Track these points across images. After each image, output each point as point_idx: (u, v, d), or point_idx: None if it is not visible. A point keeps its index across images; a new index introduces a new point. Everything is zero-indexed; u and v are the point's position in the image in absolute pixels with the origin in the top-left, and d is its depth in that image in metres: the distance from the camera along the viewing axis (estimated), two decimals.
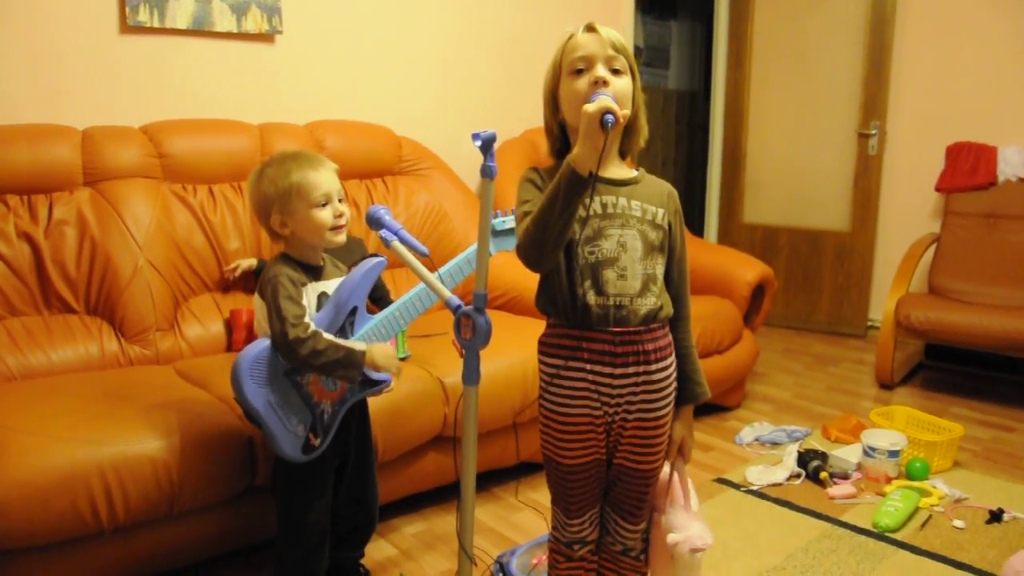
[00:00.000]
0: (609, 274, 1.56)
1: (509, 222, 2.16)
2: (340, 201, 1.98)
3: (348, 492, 2.13)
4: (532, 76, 4.29)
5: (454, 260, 2.13)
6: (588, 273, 1.57)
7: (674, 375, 1.68)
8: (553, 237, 1.47)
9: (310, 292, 1.95)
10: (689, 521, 1.72)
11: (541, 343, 1.68)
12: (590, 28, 1.58)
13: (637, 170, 1.67)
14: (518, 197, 1.61)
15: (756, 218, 5.42)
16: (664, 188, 1.68)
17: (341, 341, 1.90)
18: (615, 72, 1.56)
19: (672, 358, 1.67)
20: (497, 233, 2.15)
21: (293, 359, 1.85)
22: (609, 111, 1.39)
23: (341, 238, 1.98)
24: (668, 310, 1.64)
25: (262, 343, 1.88)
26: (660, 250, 1.62)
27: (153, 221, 2.79)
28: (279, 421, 1.88)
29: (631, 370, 1.59)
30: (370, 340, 1.99)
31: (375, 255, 2.06)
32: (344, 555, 2.24)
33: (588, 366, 1.60)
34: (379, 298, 2.69)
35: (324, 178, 1.95)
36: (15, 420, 2.02)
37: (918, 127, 4.74)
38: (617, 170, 1.64)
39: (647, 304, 1.59)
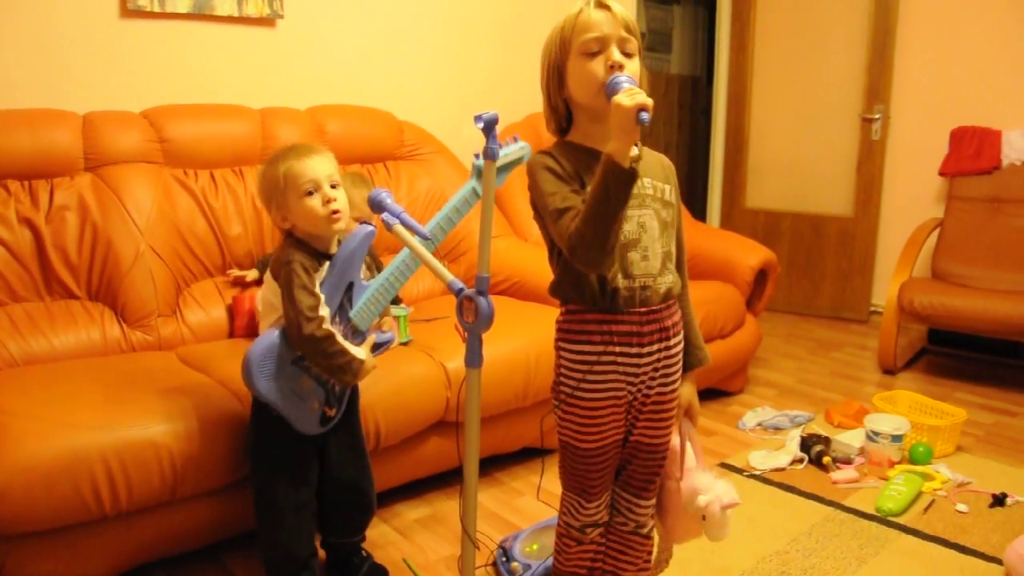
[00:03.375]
0: (634, 256, 1.57)
1: (512, 154, 2.08)
2: (333, 187, 1.94)
3: (338, 476, 2.12)
4: (534, 60, 4.25)
5: (439, 215, 2.08)
6: (615, 257, 1.55)
7: (683, 347, 1.72)
8: (614, 236, 1.46)
9: (321, 275, 1.94)
10: (712, 481, 1.76)
11: (562, 329, 1.66)
12: (602, 5, 1.53)
13: (637, 145, 1.65)
14: (538, 188, 1.56)
15: (759, 203, 5.40)
16: (664, 162, 1.70)
17: (348, 347, 1.90)
18: (627, 55, 1.53)
19: (682, 331, 1.71)
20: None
21: (303, 351, 1.88)
22: (644, 108, 1.37)
23: (339, 226, 1.95)
24: (679, 286, 1.67)
25: (267, 338, 1.89)
26: (671, 227, 1.64)
27: (154, 206, 2.78)
28: (295, 406, 1.93)
29: (655, 347, 1.61)
30: (369, 310, 2.00)
31: (364, 222, 2.02)
32: (343, 541, 2.24)
33: (617, 348, 1.59)
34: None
35: (310, 165, 1.91)
36: (17, 405, 2.02)
37: (922, 111, 4.71)
38: None
39: (666, 282, 1.61)
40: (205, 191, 2.92)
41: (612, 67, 1.50)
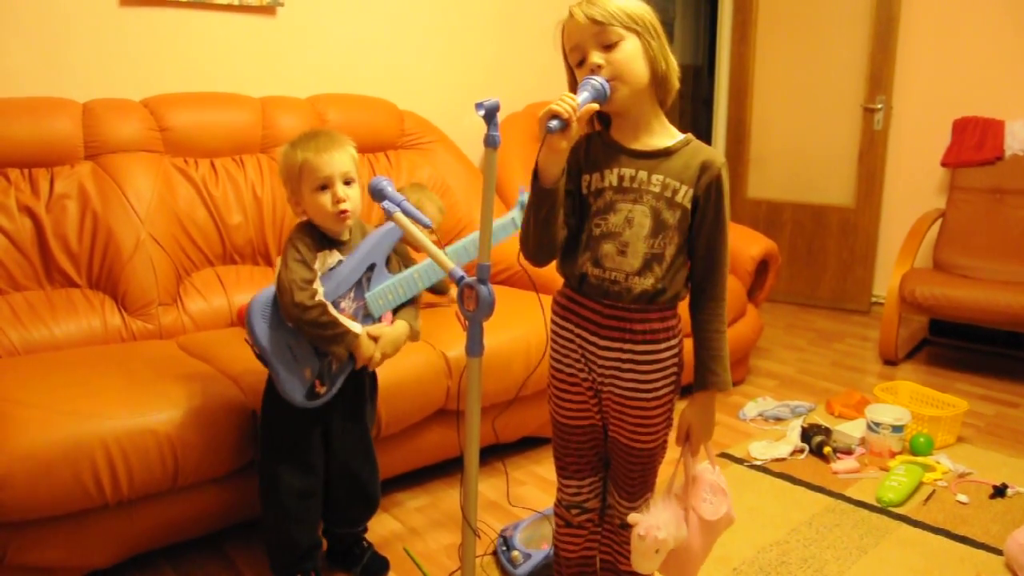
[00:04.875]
0: (608, 248, 1.55)
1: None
2: (347, 184, 1.96)
3: (341, 466, 2.12)
4: (535, 50, 4.26)
5: (459, 243, 2.17)
6: (590, 244, 1.57)
7: (672, 359, 1.63)
8: (534, 240, 1.54)
9: (326, 257, 1.97)
10: (662, 511, 1.67)
11: (553, 301, 1.72)
12: (570, 14, 1.52)
13: (683, 134, 1.60)
14: None
15: (760, 193, 5.39)
16: (699, 160, 1.55)
17: (342, 319, 1.92)
18: (608, 48, 1.49)
19: (672, 342, 1.62)
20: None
21: (295, 321, 1.89)
22: (555, 115, 1.40)
23: (348, 223, 1.98)
24: (673, 293, 1.58)
25: (271, 289, 1.93)
26: (676, 230, 1.55)
27: (155, 195, 2.77)
28: (286, 363, 1.91)
29: (616, 345, 1.59)
30: (385, 298, 2.04)
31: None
32: (344, 531, 2.25)
33: (576, 329, 1.63)
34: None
35: (327, 161, 1.93)
36: (19, 394, 2.02)
37: (924, 101, 4.70)
38: (650, 139, 1.57)
39: (644, 284, 1.55)
40: (205, 180, 2.91)
41: (592, 71, 1.49)
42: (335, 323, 1.90)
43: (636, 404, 1.63)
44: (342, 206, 1.93)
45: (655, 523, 1.64)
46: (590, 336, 1.61)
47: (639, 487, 1.73)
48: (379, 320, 2.05)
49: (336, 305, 1.94)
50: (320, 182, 1.93)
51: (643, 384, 1.61)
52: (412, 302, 2.12)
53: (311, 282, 1.89)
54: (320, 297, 1.90)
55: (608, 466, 1.75)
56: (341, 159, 1.95)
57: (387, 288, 2.04)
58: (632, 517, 1.66)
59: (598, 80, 1.46)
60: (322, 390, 1.97)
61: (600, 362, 1.61)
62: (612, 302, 1.57)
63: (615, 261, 1.55)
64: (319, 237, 1.98)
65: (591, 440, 1.70)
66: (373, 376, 2.20)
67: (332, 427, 2.08)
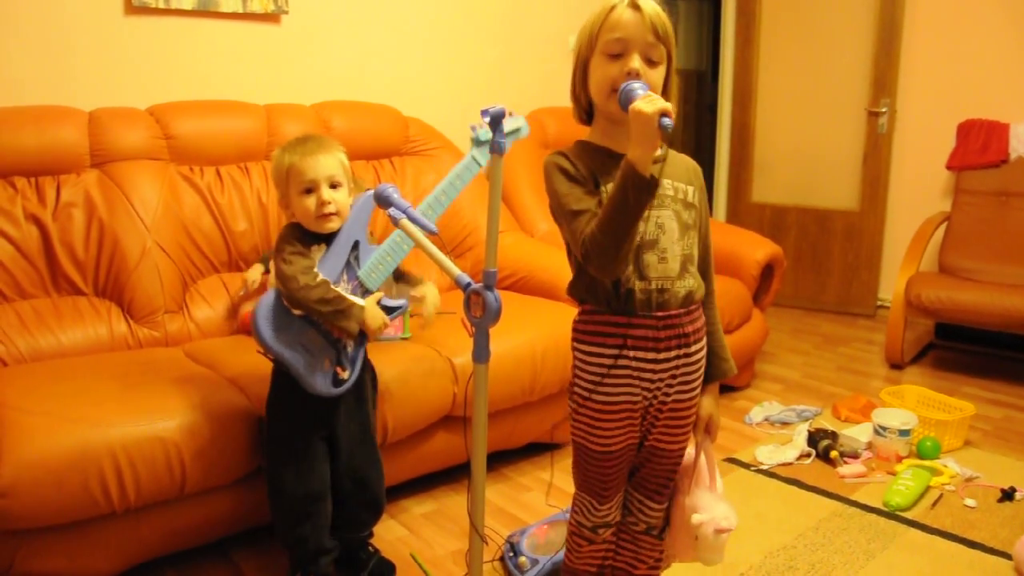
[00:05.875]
0: (650, 258, 1.52)
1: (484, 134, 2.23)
2: (334, 187, 2.00)
3: (349, 469, 2.13)
4: (540, 56, 4.27)
5: (431, 195, 2.24)
6: (629, 261, 1.52)
7: (705, 354, 1.66)
8: (629, 243, 1.44)
9: (315, 253, 2.00)
10: (714, 502, 1.71)
11: (577, 329, 1.63)
12: (635, 5, 1.47)
13: (661, 147, 1.61)
14: (552, 188, 1.55)
15: (765, 197, 5.39)
16: (689, 164, 1.64)
17: (346, 295, 1.98)
18: (650, 63, 1.47)
19: (706, 338, 1.66)
20: (481, 143, 2.23)
21: (304, 305, 1.92)
22: (666, 113, 1.33)
23: (331, 225, 2.01)
24: (702, 290, 1.62)
25: (269, 295, 1.96)
26: (693, 229, 1.59)
27: (161, 203, 2.78)
28: (304, 361, 1.95)
29: (673, 354, 1.56)
30: (377, 270, 2.09)
31: (367, 190, 2.13)
32: (350, 536, 2.25)
33: (632, 353, 1.55)
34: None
35: (313, 164, 1.97)
36: (26, 402, 2.03)
37: (929, 105, 4.69)
38: None
39: (686, 286, 1.56)
40: (211, 187, 2.92)
41: (628, 74, 1.45)
42: (341, 297, 1.96)
43: (681, 407, 1.64)
44: (325, 209, 1.97)
45: (722, 515, 1.69)
46: (647, 354, 1.55)
47: (670, 486, 1.74)
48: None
49: None
50: (306, 185, 1.97)
51: (688, 385, 1.62)
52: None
53: (311, 268, 1.95)
54: (322, 277, 1.95)
55: (631, 475, 1.73)
56: (328, 163, 1.99)
57: (376, 260, 2.09)
58: (697, 518, 1.69)
59: (643, 82, 1.43)
60: (345, 374, 2.02)
61: (655, 377, 1.57)
62: (664, 312, 1.54)
63: (658, 269, 1.53)
64: (307, 235, 2.01)
65: (628, 460, 1.68)
66: (374, 379, 2.22)
67: (336, 432, 2.09)
